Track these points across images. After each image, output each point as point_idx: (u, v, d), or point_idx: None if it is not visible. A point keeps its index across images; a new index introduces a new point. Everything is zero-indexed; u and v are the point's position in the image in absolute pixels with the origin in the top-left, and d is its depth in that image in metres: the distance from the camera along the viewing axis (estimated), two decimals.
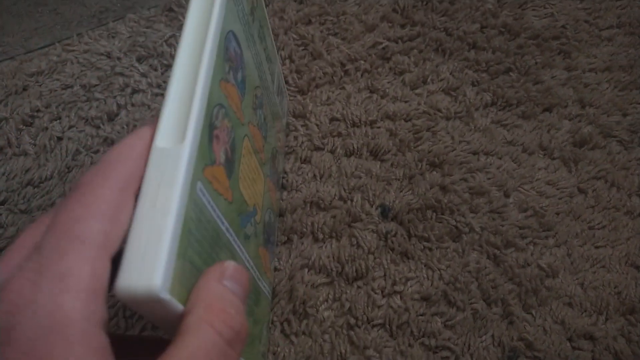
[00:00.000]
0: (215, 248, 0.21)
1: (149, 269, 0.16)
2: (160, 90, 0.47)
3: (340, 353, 0.34)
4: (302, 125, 0.45)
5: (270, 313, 0.36)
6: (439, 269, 0.37)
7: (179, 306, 0.17)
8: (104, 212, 0.18)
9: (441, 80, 0.48)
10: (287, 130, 0.44)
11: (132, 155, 0.19)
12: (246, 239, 0.27)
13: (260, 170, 0.30)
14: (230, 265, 0.21)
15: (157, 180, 0.18)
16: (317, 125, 0.45)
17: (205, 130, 0.20)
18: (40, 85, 0.48)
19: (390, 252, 0.38)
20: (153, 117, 0.25)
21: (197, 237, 0.19)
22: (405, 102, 0.47)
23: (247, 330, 0.20)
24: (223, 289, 0.20)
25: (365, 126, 0.45)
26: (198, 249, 0.19)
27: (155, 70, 0.48)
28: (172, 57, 0.49)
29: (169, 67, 0.48)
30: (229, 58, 0.24)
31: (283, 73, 0.48)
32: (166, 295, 0.16)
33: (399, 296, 0.36)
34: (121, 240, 0.18)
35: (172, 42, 0.50)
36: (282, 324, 0.35)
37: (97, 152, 0.43)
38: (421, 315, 0.36)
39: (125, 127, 0.44)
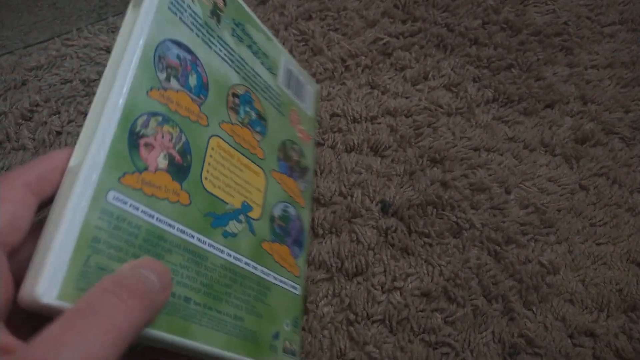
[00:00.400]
0: (155, 249, 0.23)
1: (34, 280, 0.19)
2: None
3: (340, 349, 0.34)
4: None
5: (300, 310, 0.34)
6: (439, 265, 0.37)
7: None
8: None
9: (442, 76, 0.48)
10: (318, 117, 0.43)
11: (44, 163, 0.22)
12: (228, 237, 0.28)
13: (255, 165, 0.31)
14: (139, 259, 0.23)
15: (60, 198, 0.21)
16: (317, 121, 0.44)
17: (119, 142, 0.23)
18: (40, 80, 0.48)
19: (391, 248, 0.38)
20: None
21: (112, 244, 0.21)
22: (406, 98, 0.46)
23: (143, 286, 0.21)
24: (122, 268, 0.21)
25: (365, 122, 0.45)
26: (115, 254, 0.21)
27: None
28: None
29: None
30: (167, 66, 0.26)
31: None
32: (51, 301, 0.18)
33: (399, 292, 0.36)
34: (17, 237, 0.20)
35: None
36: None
37: None
38: (421, 311, 0.36)
39: None
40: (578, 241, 0.39)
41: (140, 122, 0.24)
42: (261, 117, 0.33)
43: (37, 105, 0.46)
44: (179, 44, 0.28)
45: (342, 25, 0.51)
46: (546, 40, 0.50)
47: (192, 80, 0.28)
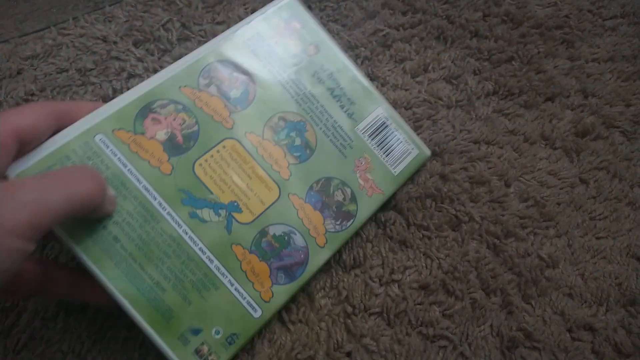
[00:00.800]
0: (115, 184, 0.29)
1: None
2: None
3: (337, 341, 0.33)
4: None
5: (248, 333, 0.31)
6: (437, 258, 0.37)
7: None
8: (28, 118, 0.26)
9: (442, 68, 0.47)
10: (408, 181, 0.40)
11: (74, 105, 0.29)
12: (195, 219, 0.31)
13: (271, 180, 0.33)
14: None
15: None
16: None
17: (131, 108, 0.31)
18: (35, 69, 0.47)
19: (389, 240, 0.38)
20: None
21: (75, 162, 0.29)
22: (406, 90, 0.46)
23: (99, 176, 0.26)
24: None
25: None
26: None
27: (152, 54, 0.47)
28: (169, 41, 0.48)
29: (165, 51, 0.48)
30: (213, 76, 0.33)
31: None
32: (10, 174, 0.27)
33: (396, 285, 0.36)
34: (32, 138, 0.27)
35: (169, 26, 0.49)
36: (279, 311, 0.35)
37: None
38: (419, 304, 0.35)
39: None
40: (577, 235, 0.39)
41: (159, 103, 0.31)
42: (308, 147, 0.35)
43: (33, 94, 0.45)
44: (238, 67, 0.34)
45: (342, 16, 0.51)
46: (547, 33, 0.50)
47: (235, 93, 0.34)
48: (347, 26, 0.50)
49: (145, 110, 0.31)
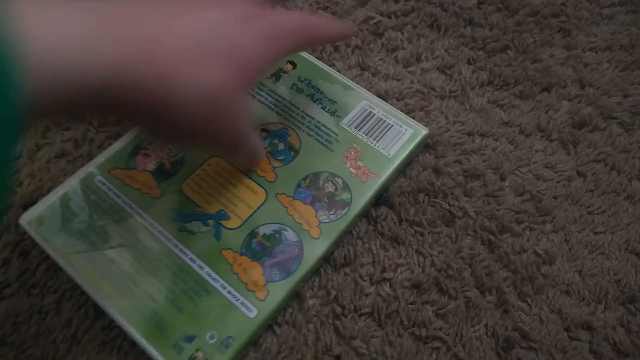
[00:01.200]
0: (111, 216, 0.33)
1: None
2: None
3: (325, 344, 0.32)
4: None
5: (245, 334, 0.30)
6: (430, 255, 0.36)
7: None
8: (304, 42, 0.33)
9: (436, 57, 0.46)
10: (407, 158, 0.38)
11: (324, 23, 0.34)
12: (184, 232, 0.33)
13: (256, 185, 0.35)
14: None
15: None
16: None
17: (124, 150, 0.36)
18: None
19: (380, 237, 0.36)
20: None
21: (79, 204, 0.33)
22: (398, 80, 0.44)
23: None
24: None
25: None
26: (78, 208, 0.33)
27: None
28: None
29: None
30: None
31: None
32: (22, 222, 0.33)
33: (388, 283, 0.34)
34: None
35: None
36: (281, 308, 0.33)
37: (68, 129, 0.40)
38: (411, 303, 0.34)
39: None
40: (575, 230, 0.37)
41: (147, 142, 0.36)
42: (291, 149, 0.37)
43: None
44: None
45: (332, 4, 0.49)
46: (543, 21, 0.48)
47: None
48: (338, 14, 0.48)
49: (137, 148, 0.36)
